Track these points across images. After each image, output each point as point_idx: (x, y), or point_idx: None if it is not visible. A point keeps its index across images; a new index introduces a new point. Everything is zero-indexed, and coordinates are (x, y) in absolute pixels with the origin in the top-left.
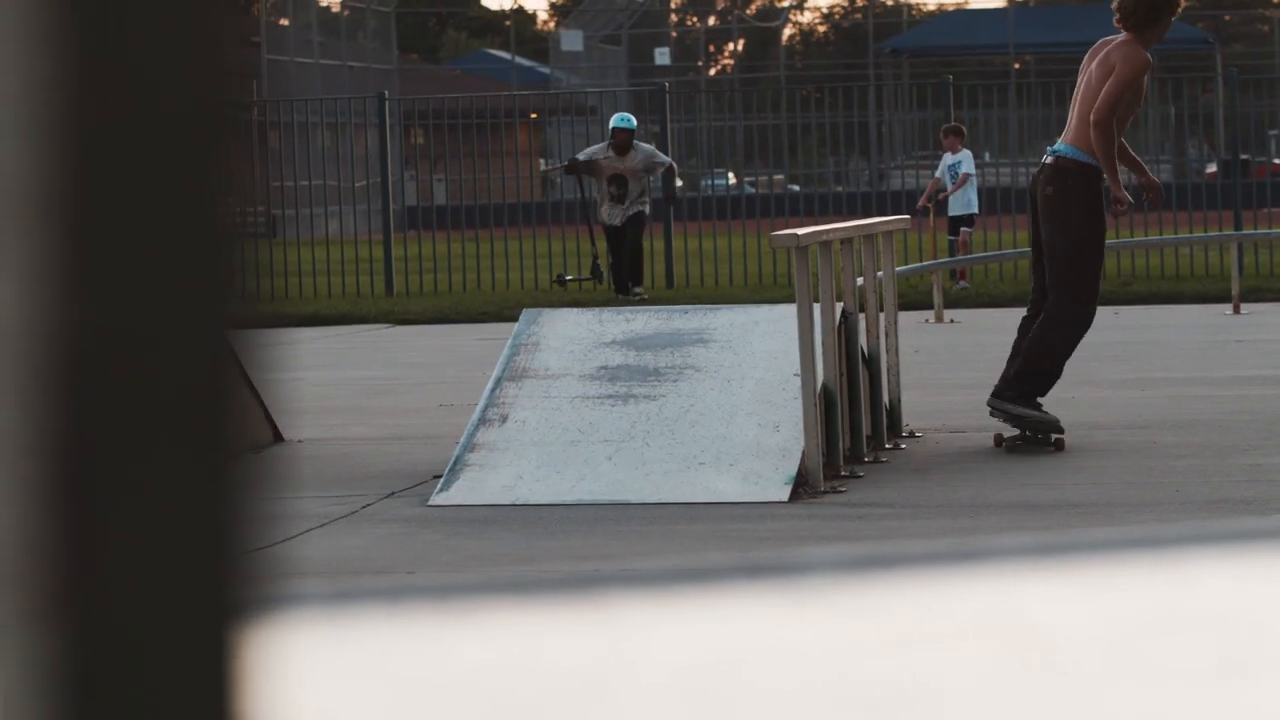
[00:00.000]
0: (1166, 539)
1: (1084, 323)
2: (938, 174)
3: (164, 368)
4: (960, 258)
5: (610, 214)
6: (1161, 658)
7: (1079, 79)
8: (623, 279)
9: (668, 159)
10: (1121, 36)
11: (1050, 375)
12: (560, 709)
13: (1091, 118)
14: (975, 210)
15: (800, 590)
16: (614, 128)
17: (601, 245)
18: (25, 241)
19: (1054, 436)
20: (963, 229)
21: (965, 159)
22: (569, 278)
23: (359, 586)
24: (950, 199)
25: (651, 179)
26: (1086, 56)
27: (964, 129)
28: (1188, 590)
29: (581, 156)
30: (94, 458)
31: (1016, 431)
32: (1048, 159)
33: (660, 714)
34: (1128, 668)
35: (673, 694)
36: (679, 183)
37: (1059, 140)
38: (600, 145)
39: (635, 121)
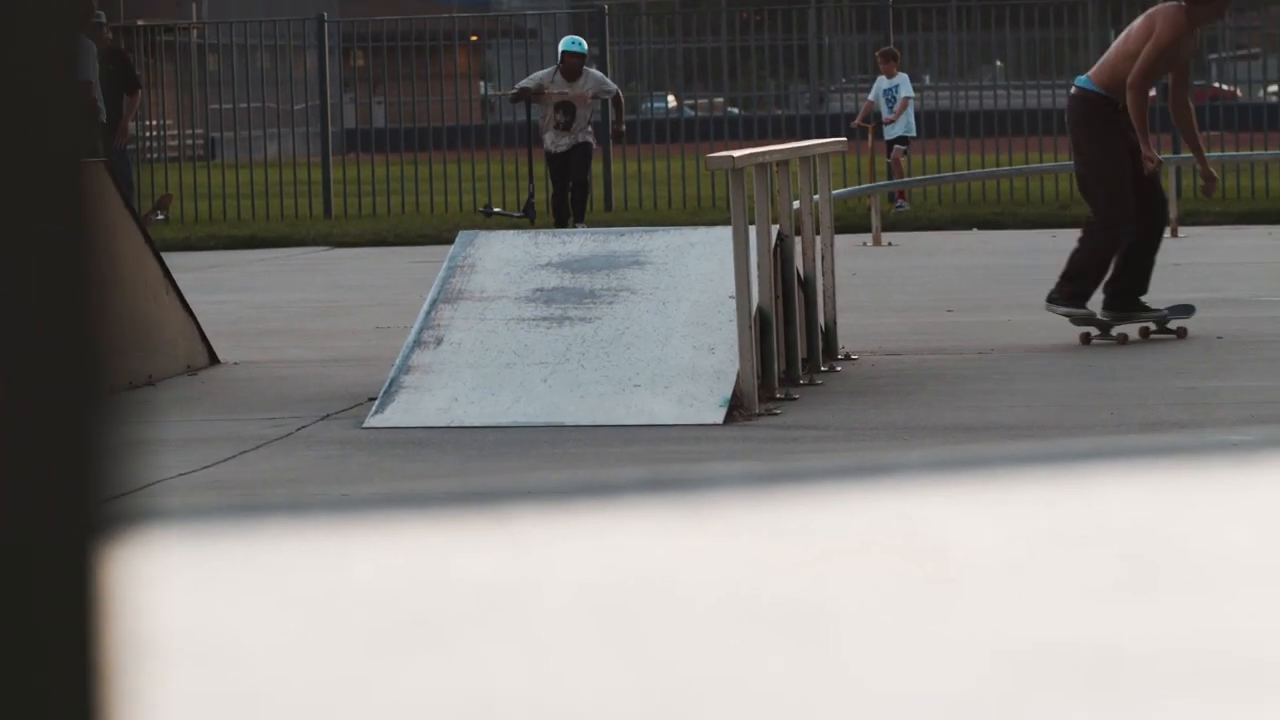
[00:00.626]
0: (1071, 454)
1: (1111, 240)
2: (871, 96)
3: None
4: (897, 180)
5: (555, 141)
6: (1060, 572)
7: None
8: (564, 211)
9: (615, 87)
10: (1174, 1)
11: (1091, 281)
12: (464, 625)
13: (1127, 80)
14: (913, 133)
15: (705, 507)
16: (564, 51)
17: (540, 175)
18: None
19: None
20: (896, 147)
21: (903, 82)
22: (496, 210)
23: (263, 501)
24: (889, 126)
25: (596, 107)
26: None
27: (898, 53)
28: (1090, 505)
29: (529, 84)
30: None
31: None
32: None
33: (566, 629)
34: (1025, 582)
35: (578, 610)
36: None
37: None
38: (547, 70)
39: (586, 46)
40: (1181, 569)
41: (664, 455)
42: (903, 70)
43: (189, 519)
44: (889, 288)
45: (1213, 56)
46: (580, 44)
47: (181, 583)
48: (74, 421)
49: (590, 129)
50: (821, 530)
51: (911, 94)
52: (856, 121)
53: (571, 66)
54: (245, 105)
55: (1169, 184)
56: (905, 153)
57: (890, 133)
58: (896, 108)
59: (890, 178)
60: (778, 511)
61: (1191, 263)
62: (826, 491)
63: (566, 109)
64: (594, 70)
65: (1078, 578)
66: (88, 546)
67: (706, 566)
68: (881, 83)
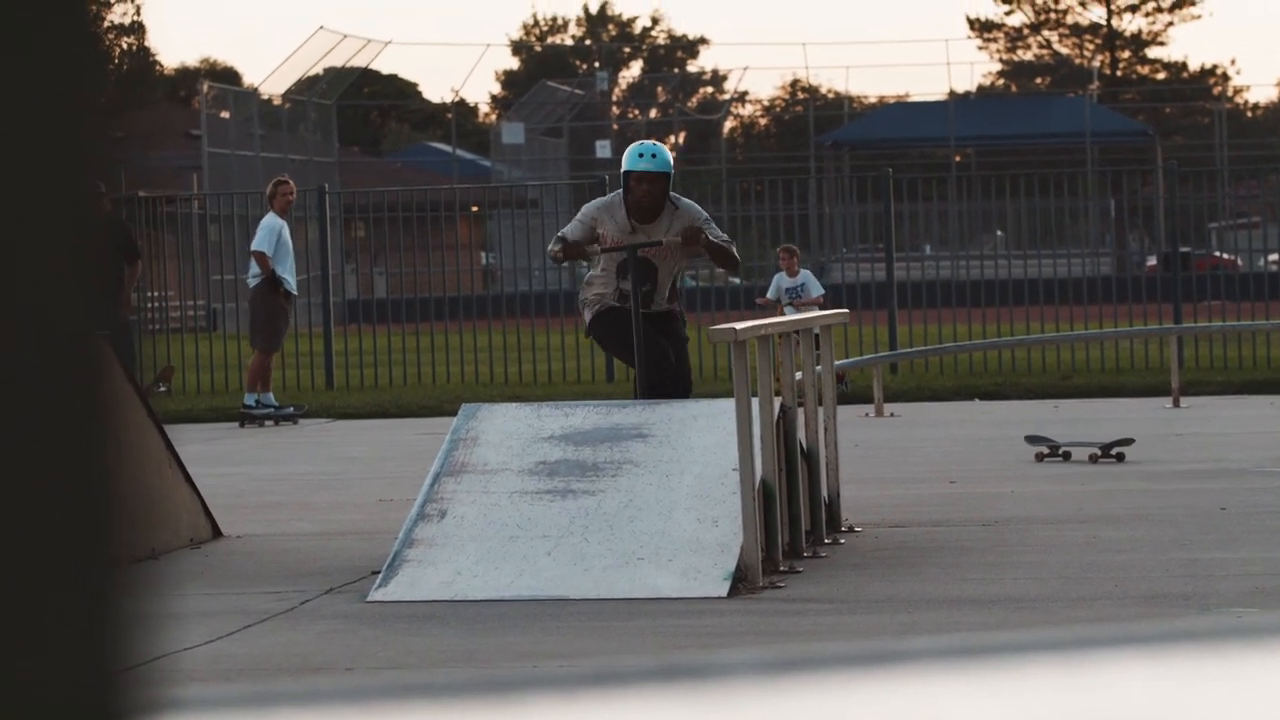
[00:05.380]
0: (1080, 640)
1: None
2: (771, 294)
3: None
4: (901, 352)
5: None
6: None
7: None
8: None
9: (725, 236)
10: None
11: None
12: None
13: None
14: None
15: (716, 696)
16: (631, 172)
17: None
18: None
19: None
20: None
21: (809, 280)
22: None
23: (274, 690)
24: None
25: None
26: None
27: (797, 250)
28: (1101, 697)
29: (576, 232)
30: None
31: None
32: None
33: None
34: None
35: None
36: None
37: None
38: (602, 203)
39: (670, 159)
40: None
41: (669, 630)
42: (805, 266)
43: (194, 707)
44: (892, 459)
45: (1213, 225)
46: (661, 153)
47: None
48: (83, 596)
49: (678, 297)
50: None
51: (822, 291)
52: (760, 300)
53: (649, 197)
54: (246, 276)
55: (1171, 353)
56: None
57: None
58: (809, 303)
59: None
60: (790, 699)
61: (1194, 433)
62: (836, 680)
63: (643, 270)
64: (686, 201)
65: None
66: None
67: None
68: (782, 280)
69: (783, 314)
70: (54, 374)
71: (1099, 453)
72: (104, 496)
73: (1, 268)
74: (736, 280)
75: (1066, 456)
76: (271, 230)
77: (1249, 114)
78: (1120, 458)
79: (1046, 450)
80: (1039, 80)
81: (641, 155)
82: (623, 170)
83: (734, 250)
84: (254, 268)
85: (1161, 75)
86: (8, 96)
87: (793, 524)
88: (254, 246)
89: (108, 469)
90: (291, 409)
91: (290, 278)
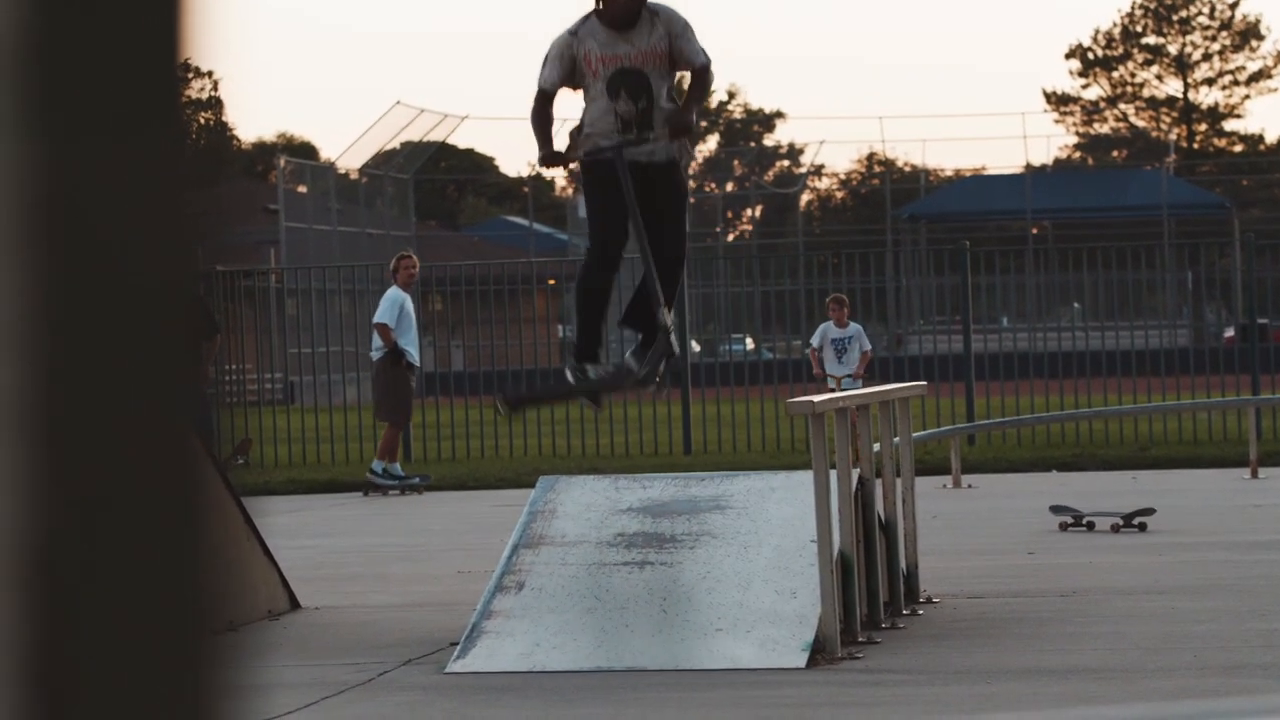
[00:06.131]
0: (1169, 717)
1: None
2: (815, 344)
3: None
4: (978, 423)
5: (609, 143)
6: None
7: None
8: (642, 310)
9: (704, 52)
10: None
11: None
12: None
13: None
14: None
15: None
16: None
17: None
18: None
19: None
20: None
21: (857, 333)
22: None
23: None
24: (846, 381)
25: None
26: None
27: (847, 300)
28: None
29: (550, 81)
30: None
31: None
32: None
33: None
34: None
35: None
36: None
37: None
38: (567, 31)
39: None
40: None
41: (748, 701)
42: (854, 322)
43: None
44: (969, 530)
45: None
46: None
47: None
48: (178, 669)
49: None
50: None
51: (869, 347)
52: (816, 371)
53: (624, 9)
54: (324, 349)
55: (1249, 424)
56: None
57: (849, 387)
58: (858, 367)
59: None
60: None
61: (1272, 504)
62: None
63: (633, 83)
64: (666, 7)
65: None
66: None
67: None
68: (830, 330)
69: (824, 368)
70: (149, 458)
71: (1121, 523)
72: (196, 572)
73: (99, 350)
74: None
75: (1090, 526)
76: (394, 303)
77: None
78: (1142, 527)
79: (1070, 520)
80: (1115, 153)
81: None
82: None
83: (708, 79)
84: (376, 340)
85: (1238, 148)
86: (107, 176)
87: (871, 595)
88: (376, 319)
89: (201, 547)
90: (417, 479)
91: (413, 350)
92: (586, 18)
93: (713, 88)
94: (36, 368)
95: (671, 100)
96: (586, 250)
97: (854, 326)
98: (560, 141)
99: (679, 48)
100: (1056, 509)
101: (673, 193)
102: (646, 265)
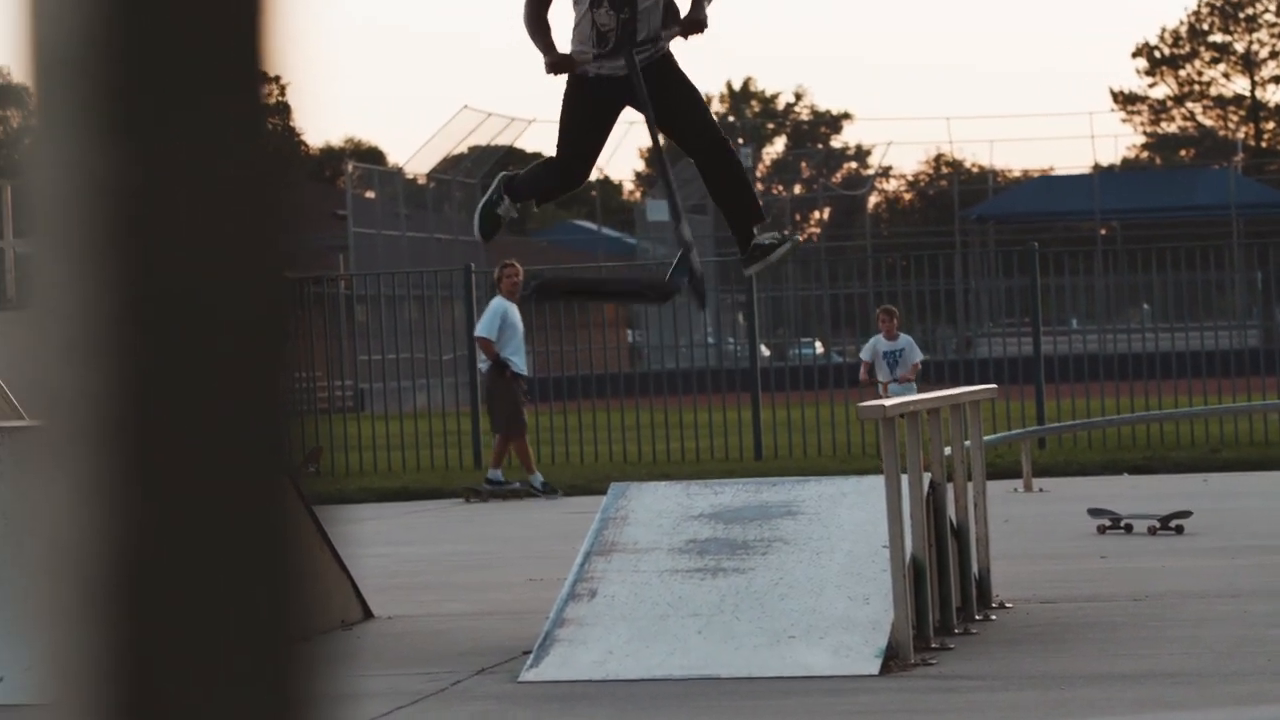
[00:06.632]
0: None
1: None
2: (866, 356)
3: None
4: (1049, 426)
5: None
6: None
7: None
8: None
9: None
10: None
11: None
12: None
13: None
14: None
15: None
16: None
17: None
18: (85, 457)
19: None
20: None
21: (909, 345)
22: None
23: None
24: (893, 386)
25: None
26: None
27: (896, 311)
28: None
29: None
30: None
31: None
32: None
33: None
34: None
35: None
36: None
37: None
38: None
39: None
40: None
41: (822, 708)
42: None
43: None
44: (1041, 534)
45: None
46: None
47: None
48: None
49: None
50: None
51: (922, 357)
52: (863, 378)
53: None
54: (394, 356)
55: None
56: None
57: (896, 393)
58: (905, 372)
59: None
60: None
61: None
62: None
63: None
64: None
65: None
66: None
67: None
68: (880, 343)
69: (876, 380)
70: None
71: (1158, 525)
72: (285, 580)
73: (188, 357)
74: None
75: (1128, 529)
76: (496, 314)
77: None
78: (1179, 530)
79: (1109, 523)
80: (1183, 153)
81: None
82: None
83: None
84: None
85: None
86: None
87: (943, 601)
88: (477, 332)
89: (289, 557)
90: (518, 485)
91: (518, 359)
92: None
93: None
94: (125, 375)
95: (668, 4)
96: (549, 159)
97: (904, 338)
98: (566, 44)
99: None
100: (1095, 512)
101: (676, 88)
102: (669, 190)
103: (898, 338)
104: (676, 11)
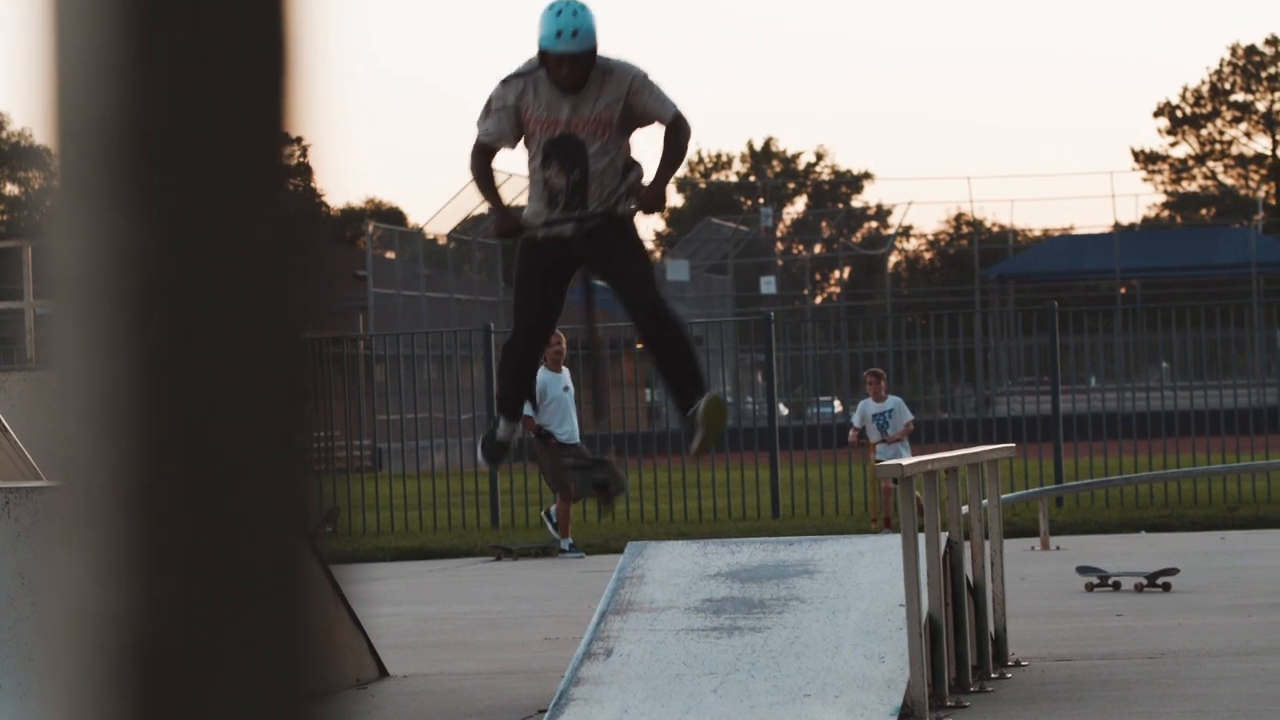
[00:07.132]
0: None
1: None
2: (856, 422)
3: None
4: (1067, 485)
5: (545, 223)
6: None
7: None
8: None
9: (673, 104)
10: None
11: None
12: None
13: None
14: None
15: None
16: (547, 51)
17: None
18: (103, 524)
19: None
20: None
21: (898, 406)
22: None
23: None
24: (881, 448)
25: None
26: None
27: (884, 373)
28: None
29: (488, 136)
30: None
31: None
32: None
33: None
34: None
35: None
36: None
37: None
38: (518, 73)
39: (593, 19)
40: None
41: None
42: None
43: None
44: (1058, 592)
45: None
46: (584, 25)
47: None
48: None
49: (623, 191)
50: None
51: (911, 418)
52: (852, 440)
53: (572, 76)
54: (412, 416)
55: None
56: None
57: (885, 454)
58: (898, 432)
59: (881, 506)
60: None
61: None
62: None
63: (567, 153)
64: (616, 60)
65: None
66: None
67: None
68: (869, 406)
69: (867, 443)
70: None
71: (1145, 582)
72: (300, 639)
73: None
74: None
75: (1116, 586)
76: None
77: None
78: (1166, 587)
79: (1096, 580)
80: (1204, 211)
81: (560, 34)
82: (538, 48)
83: (682, 133)
84: None
85: None
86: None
87: (959, 659)
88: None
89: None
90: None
91: (556, 425)
92: (539, 69)
93: (689, 143)
94: (145, 435)
95: (628, 165)
96: (505, 344)
97: (893, 399)
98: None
99: (639, 103)
100: (1083, 569)
101: (625, 249)
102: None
103: (886, 399)
104: (638, 180)
